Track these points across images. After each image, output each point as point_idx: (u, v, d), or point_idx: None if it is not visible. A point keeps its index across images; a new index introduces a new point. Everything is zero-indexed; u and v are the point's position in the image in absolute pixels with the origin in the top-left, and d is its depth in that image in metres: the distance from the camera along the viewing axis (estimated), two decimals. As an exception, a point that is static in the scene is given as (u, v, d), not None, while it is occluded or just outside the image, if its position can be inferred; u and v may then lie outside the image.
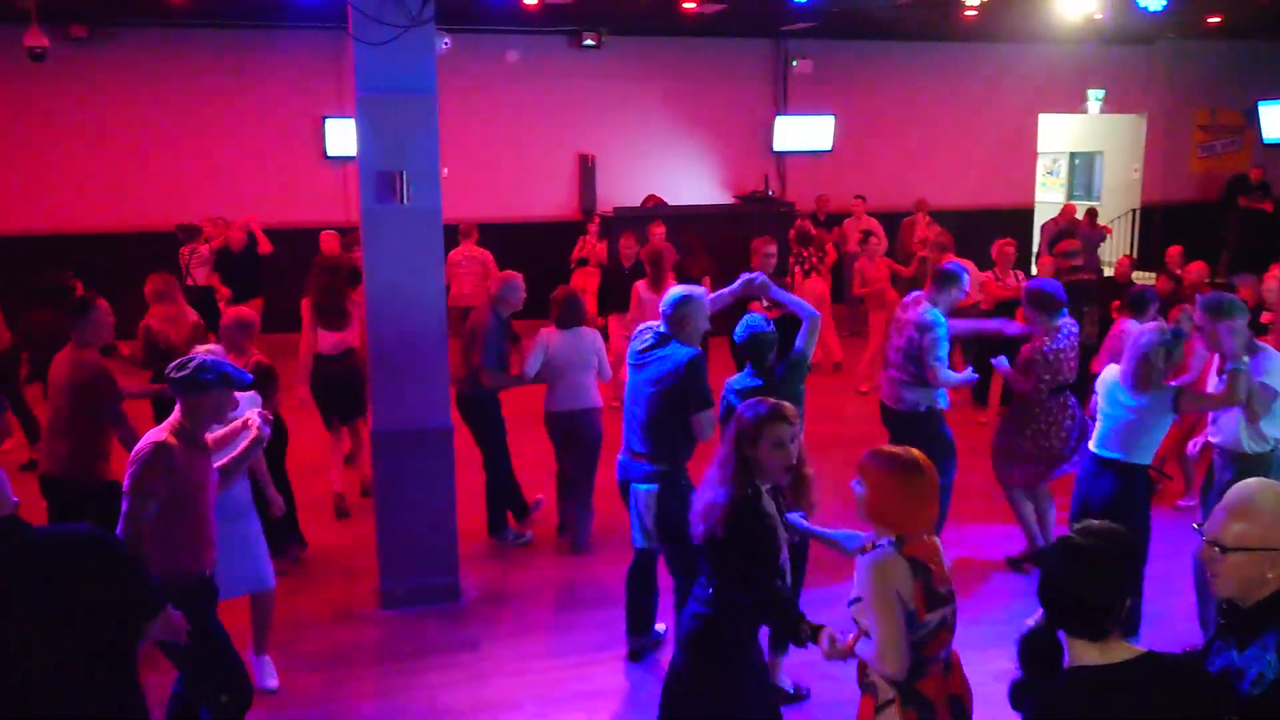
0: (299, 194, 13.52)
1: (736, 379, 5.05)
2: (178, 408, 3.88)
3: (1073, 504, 5.37)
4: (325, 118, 13.52)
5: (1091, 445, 5.28)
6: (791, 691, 4.89)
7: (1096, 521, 2.58)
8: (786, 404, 3.53)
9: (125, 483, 3.73)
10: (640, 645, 5.33)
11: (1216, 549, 2.54)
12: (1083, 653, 2.40)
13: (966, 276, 6.47)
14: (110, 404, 5.23)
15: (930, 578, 3.04)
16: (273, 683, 5.01)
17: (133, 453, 3.81)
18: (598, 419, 6.66)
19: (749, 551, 3.41)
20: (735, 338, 5.05)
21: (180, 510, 3.81)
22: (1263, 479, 2.71)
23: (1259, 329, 8.69)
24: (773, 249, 8.15)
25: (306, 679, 5.15)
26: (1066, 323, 6.22)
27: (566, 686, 5.09)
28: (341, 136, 13.19)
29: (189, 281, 10.81)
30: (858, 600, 3.11)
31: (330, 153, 13.65)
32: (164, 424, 3.87)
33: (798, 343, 5.15)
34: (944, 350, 6.11)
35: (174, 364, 3.90)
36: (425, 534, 5.88)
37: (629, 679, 5.18)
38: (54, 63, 11.73)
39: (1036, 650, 2.50)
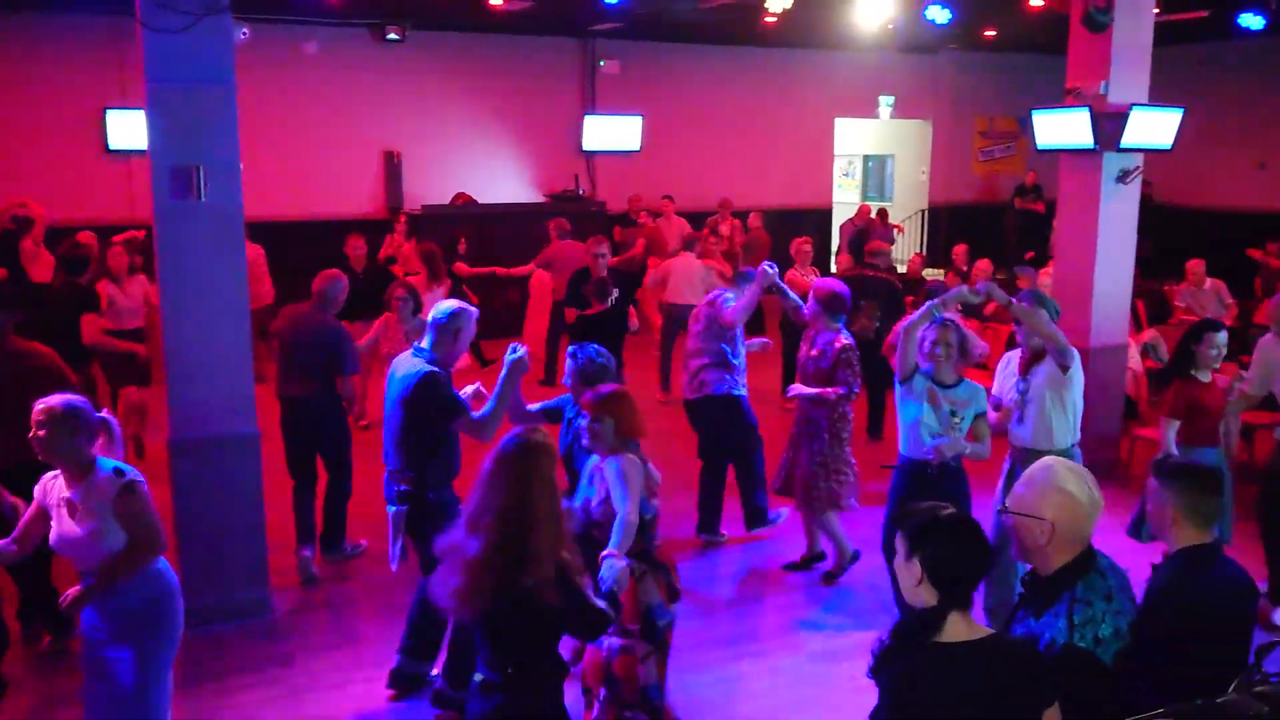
0: (79, 190, 12.62)
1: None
2: None
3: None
4: (106, 109, 12.67)
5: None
6: None
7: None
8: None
9: None
10: (415, 671, 4.96)
11: (1002, 509, 2.97)
12: (955, 627, 2.50)
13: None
14: None
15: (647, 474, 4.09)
16: None
17: None
18: None
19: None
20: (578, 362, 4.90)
21: None
22: (1059, 457, 3.01)
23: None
24: (604, 248, 9.01)
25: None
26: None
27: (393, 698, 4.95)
28: (125, 129, 12.37)
29: None
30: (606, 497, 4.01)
31: (113, 146, 12.81)
32: None
33: None
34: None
35: None
36: (231, 546, 5.60)
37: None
38: None
39: (917, 627, 2.53)
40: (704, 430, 6.77)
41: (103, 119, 12.72)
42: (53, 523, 3.78)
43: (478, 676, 3.11)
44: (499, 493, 3.01)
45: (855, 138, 19.37)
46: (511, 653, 3.00)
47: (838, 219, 16.98)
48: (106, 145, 12.81)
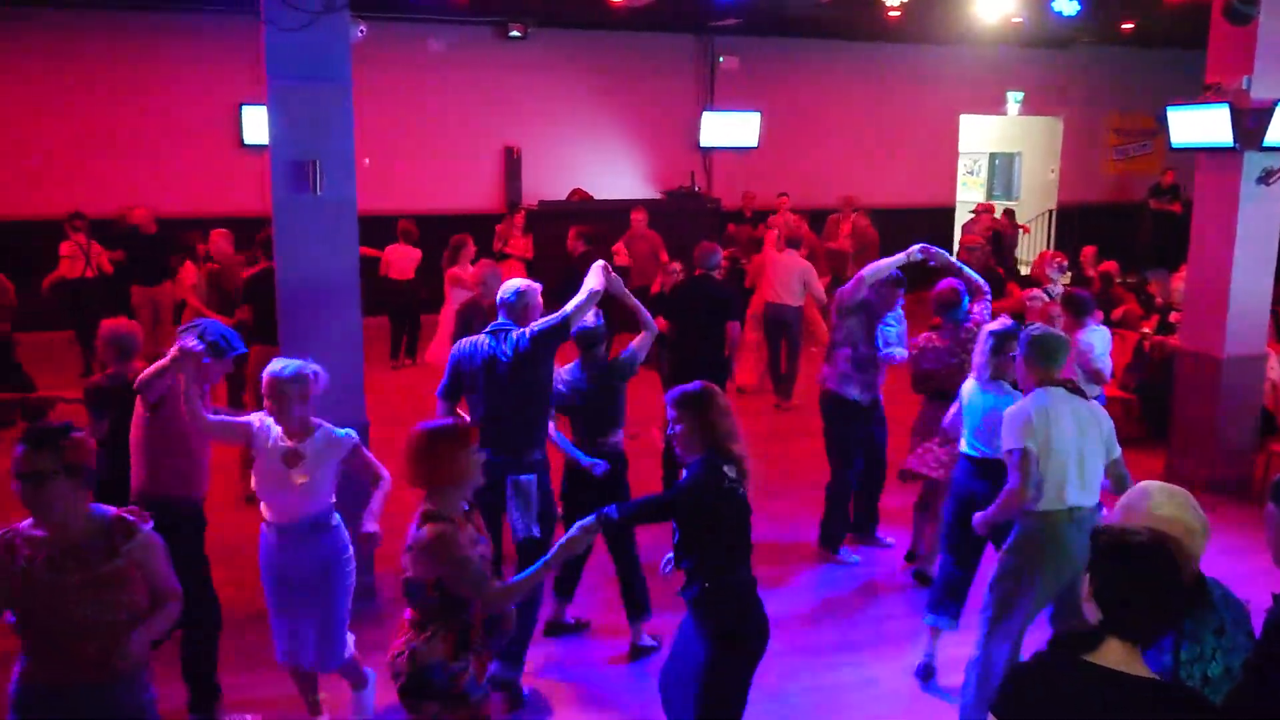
0: (216, 183, 13.17)
1: (565, 369, 5.39)
2: None
3: None
4: (242, 105, 13.19)
5: None
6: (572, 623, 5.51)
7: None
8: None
9: None
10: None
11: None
12: (1114, 653, 2.30)
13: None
14: None
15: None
16: None
17: None
18: None
19: None
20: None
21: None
22: (1156, 481, 2.80)
23: (1167, 328, 8.94)
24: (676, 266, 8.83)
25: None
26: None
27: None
28: (259, 124, 12.85)
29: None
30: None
31: (247, 140, 13.33)
32: None
33: (629, 346, 5.36)
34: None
35: None
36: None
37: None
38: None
39: (1074, 640, 2.36)
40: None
41: (238, 114, 13.28)
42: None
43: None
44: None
45: (981, 135, 18.84)
46: None
47: (960, 218, 16.55)
48: (242, 140, 13.38)
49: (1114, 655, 2.28)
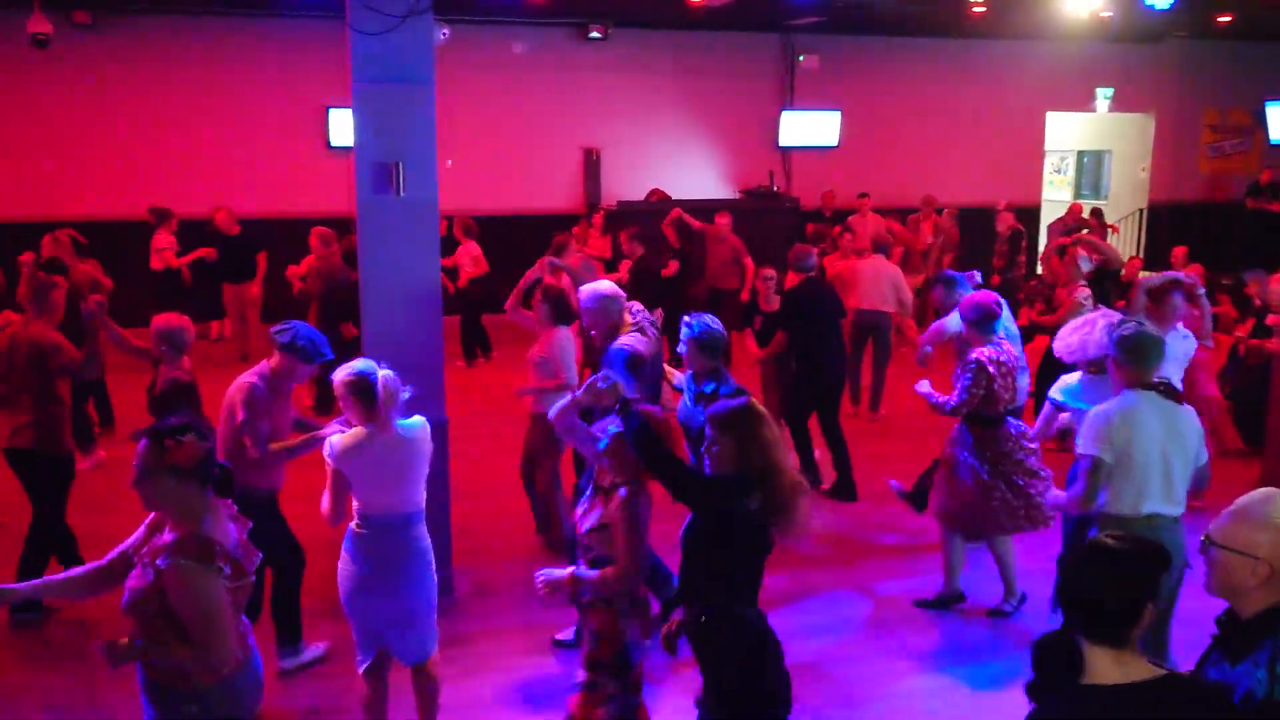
0: (303, 185, 13.49)
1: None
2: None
3: None
4: (329, 107, 13.48)
5: None
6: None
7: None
8: None
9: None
10: None
11: (1206, 541, 2.60)
12: (1101, 665, 2.29)
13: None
14: None
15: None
16: None
17: None
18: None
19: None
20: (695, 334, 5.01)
21: None
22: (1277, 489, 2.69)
23: (1264, 331, 8.62)
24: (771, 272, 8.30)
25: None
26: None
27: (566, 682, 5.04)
28: (346, 126, 13.13)
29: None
30: (603, 528, 3.65)
31: (334, 143, 13.62)
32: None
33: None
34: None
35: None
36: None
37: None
38: (57, 49, 11.71)
39: (1052, 656, 2.34)
40: None
41: (326, 117, 13.57)
42: None
43: None
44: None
45: (1069, 132, 18.39)
46: None
47: (1046, 217, 16.18)
48: (329, 142, 13.68)
49: (1106, 669, 2.27)
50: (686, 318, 5.23)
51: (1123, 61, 16.57)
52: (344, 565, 4.20)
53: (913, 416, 8.56)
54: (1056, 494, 4.58)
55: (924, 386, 5.72)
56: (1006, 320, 6.13)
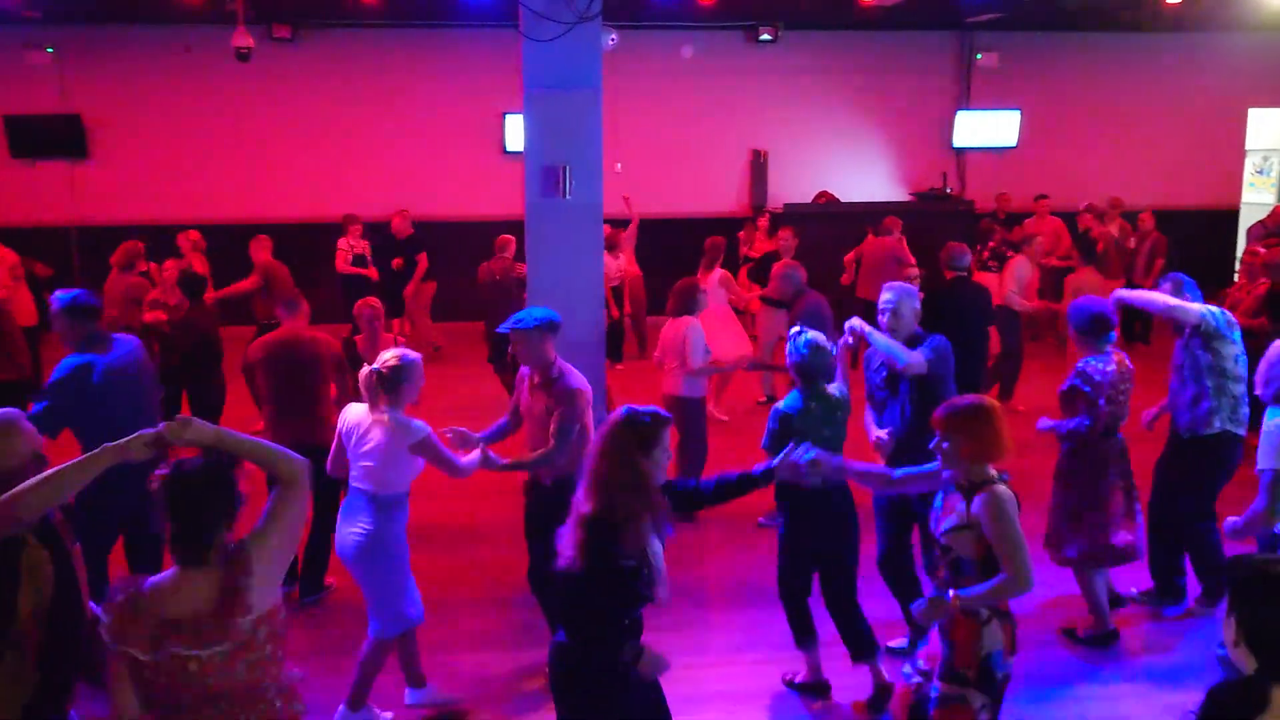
0: (480, 189, 13.95)
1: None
2: None
3: None
4: (505, 114, 13.89)
5: None
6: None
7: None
8: None
9: None
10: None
11: None
12: None
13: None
14: None
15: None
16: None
17: None
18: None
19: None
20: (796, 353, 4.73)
21: None
22: None
23: None
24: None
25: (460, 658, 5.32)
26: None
27: (707, 686, 5.06)
28: (519, 132, 13.47)
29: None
30: (963, 529, 3.46)
31: (509, 148, 14.03)
32: None
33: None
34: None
35: None
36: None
37: (769, 681, 5.12)
38: (257, 62, 12.46)
39: (1236, 700, 2.16)
40: None
41: (502, 122, 14.01)
42: None
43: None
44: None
45: (1273, 130, 17.14)
46: None
47: (1246, 221, 15.15)
48: (504, 147, 14.11)
49: None
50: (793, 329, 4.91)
51: (1336, 52, 15.36)
52: None
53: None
54: (1232, 519, 4.30)
55: (1045, 423, 5.48)
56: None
